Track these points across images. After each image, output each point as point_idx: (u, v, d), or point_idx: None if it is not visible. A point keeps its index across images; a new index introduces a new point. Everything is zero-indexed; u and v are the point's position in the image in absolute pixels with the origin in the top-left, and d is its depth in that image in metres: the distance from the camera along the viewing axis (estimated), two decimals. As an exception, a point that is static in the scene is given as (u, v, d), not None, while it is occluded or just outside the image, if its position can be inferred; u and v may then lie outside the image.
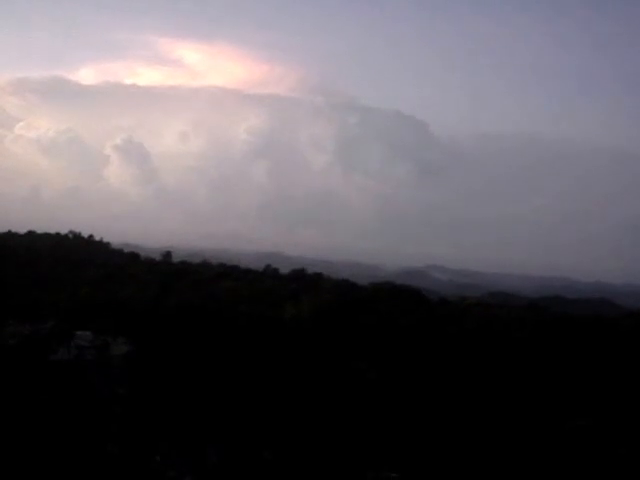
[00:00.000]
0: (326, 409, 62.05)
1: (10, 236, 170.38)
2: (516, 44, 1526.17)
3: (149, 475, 50.17)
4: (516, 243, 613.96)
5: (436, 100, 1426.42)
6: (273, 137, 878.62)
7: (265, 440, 56.06)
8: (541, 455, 55.19)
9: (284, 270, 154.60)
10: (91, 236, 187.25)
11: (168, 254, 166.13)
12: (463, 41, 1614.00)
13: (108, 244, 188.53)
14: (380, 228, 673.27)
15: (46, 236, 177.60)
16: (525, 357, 79.76)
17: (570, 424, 60.91)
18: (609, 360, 79.02)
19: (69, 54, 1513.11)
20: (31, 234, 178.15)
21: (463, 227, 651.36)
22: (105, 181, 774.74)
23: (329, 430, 57.99)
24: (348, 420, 60.13)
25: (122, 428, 57.05)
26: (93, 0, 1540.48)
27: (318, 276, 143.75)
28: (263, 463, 52.63)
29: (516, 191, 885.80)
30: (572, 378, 73.61)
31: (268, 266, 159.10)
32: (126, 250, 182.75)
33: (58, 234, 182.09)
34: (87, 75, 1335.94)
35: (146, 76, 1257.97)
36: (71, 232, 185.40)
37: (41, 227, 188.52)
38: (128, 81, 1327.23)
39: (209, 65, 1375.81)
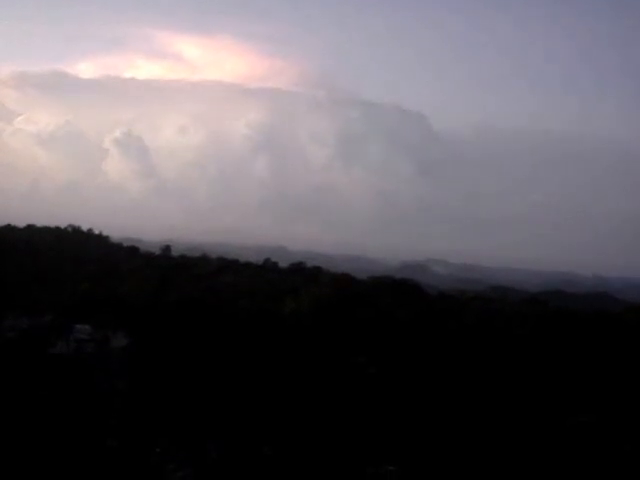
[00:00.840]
0: (325, 404, 61.85)
1: (9, 230, 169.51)
2: (520, 38, 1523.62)
3: (149, 469, 49.96)
4: (517, 237, 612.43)
5: (438, 95, 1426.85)
6: (273, 131, 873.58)
7: (265, 435, 55.84)
8: (542, 451, 54.81)
9: (284, 264, 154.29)
10: (90, 230, 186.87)
11: (167, 248, 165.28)
12: (466, 35, 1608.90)
13: (107, 238, 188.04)
14: (381, 222, 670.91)
15: (45, 230, 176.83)
16: (526, 351, 79.43)
17: (572, 420, 60.42)
18: (611, 355, 78.61)
19: (69, 48, 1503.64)
20: (30, 228, 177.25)
21: (464, 221, 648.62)
22: (104, 175, 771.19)
23: (329, 425, 57.77)
24: (347, 415, 59.90)
25: (121, 422, 56.89)
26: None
27: (318, 270, 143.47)
28: (263, 458, 52.43)
29: (518, 185, 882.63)
30: (574, 373, 73.24)
31: (268, 260, 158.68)
32: (126, 244, 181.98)
33: (57, 228, 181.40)
34: (87, 69, 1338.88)
35: (146, 70, 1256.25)
36: (70, 226, 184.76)
37: (40, 221, 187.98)
38: (127, 75, 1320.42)
39: (209, 59, 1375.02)
